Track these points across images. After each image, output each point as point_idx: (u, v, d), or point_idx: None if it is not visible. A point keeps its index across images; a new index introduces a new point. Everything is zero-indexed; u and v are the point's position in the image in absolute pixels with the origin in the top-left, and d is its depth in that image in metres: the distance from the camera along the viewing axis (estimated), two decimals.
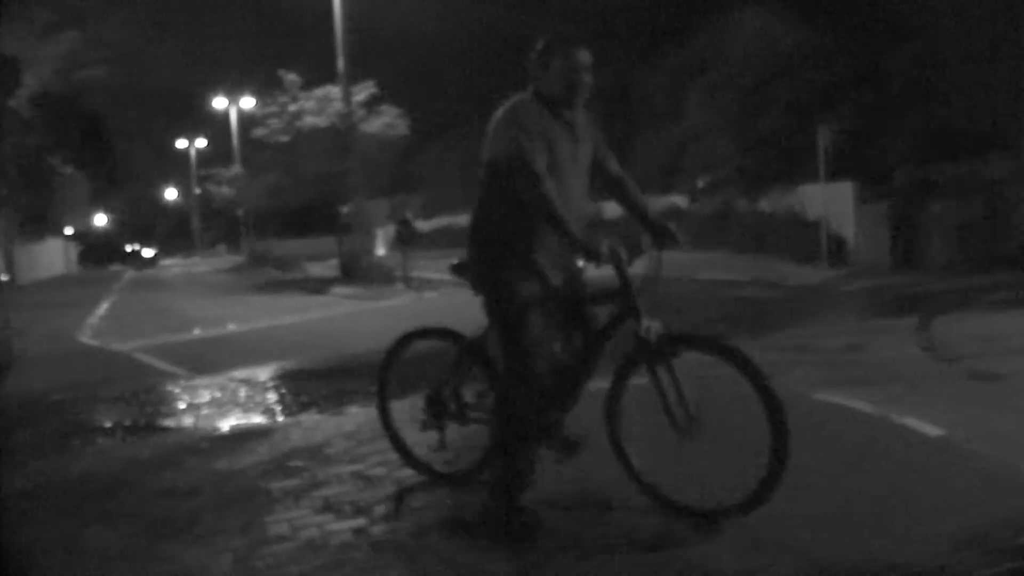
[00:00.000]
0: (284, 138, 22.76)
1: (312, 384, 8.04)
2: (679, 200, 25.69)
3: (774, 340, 9.07)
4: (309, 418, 6.39)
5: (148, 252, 56.87)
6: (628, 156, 34.27)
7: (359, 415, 5.95)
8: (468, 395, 4.11)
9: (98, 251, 57.82)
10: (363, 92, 22.78)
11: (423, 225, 26.62)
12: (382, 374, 4.41)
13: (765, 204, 21.77)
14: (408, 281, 19.33)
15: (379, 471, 4.51)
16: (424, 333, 4.32)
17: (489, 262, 3.56)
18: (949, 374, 7.01)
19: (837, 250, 18.88)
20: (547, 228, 3.38)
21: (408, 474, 4.37)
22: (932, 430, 4.76)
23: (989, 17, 25.66)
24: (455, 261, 3.80)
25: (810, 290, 15.23)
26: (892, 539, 3.26)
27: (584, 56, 3.47)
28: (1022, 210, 19.56)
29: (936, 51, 25.04)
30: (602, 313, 3.67)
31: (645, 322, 3.41)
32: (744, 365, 3.27)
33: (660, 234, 3.62)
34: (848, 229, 19.19)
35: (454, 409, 4.09)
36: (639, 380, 3.59)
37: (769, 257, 20.03)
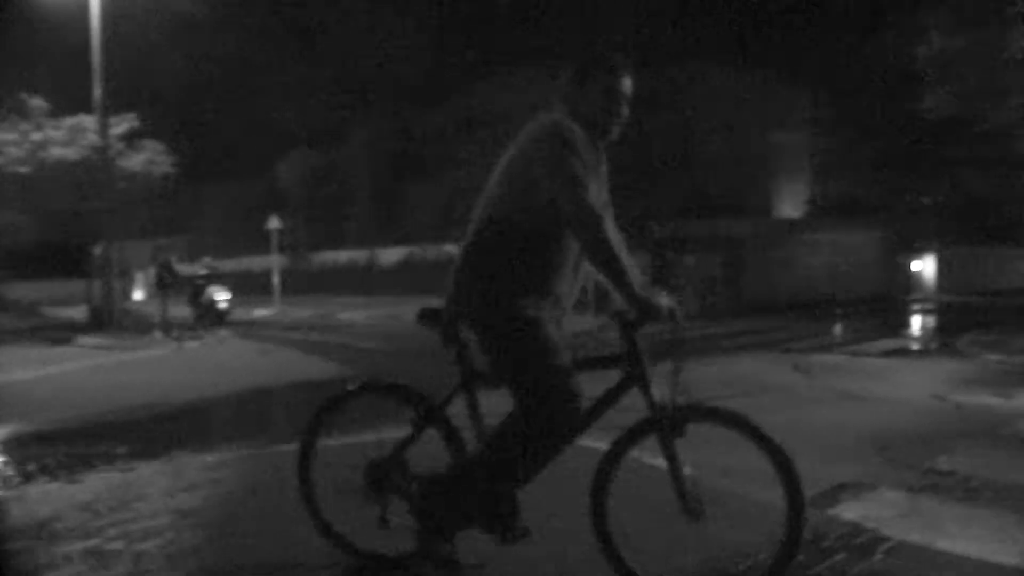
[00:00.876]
0: (24, 169, 20.42)
1: (43, 450, 7.11)
2: (454, 248, 26.23)
3: None
4: (36, 489, 5.63)
5: None
6: (407, 200, 34.79)
7: (97, 483, 5.33)
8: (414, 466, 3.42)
9: None
10: (122, 125, 21.11)
11: (188, 269, 25.03)
12: (305, 448, 3.61)
13: None
14: (167, 330, 17.93)
15: (117, 545, 4.04)
16: (367, 388, 3.63)
17: (505, 294, 3.02)
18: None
19: (602, 298, 20.10)
20: (561, 276, 3.06)
21: (152, 545, 3.95)
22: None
23: (736, 94, 29.02)
24: (422, 308, 3.25)
25: (579, 336, 16.03)
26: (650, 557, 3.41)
27: (629, 84, 3.14)
28: (757, 265, 22.02)
29: (688, 122, 27.89)
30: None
31: (655, 391, 3.07)
32: (763, 440, 2.99)
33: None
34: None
35: (399, 480, 3.39)
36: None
37: None
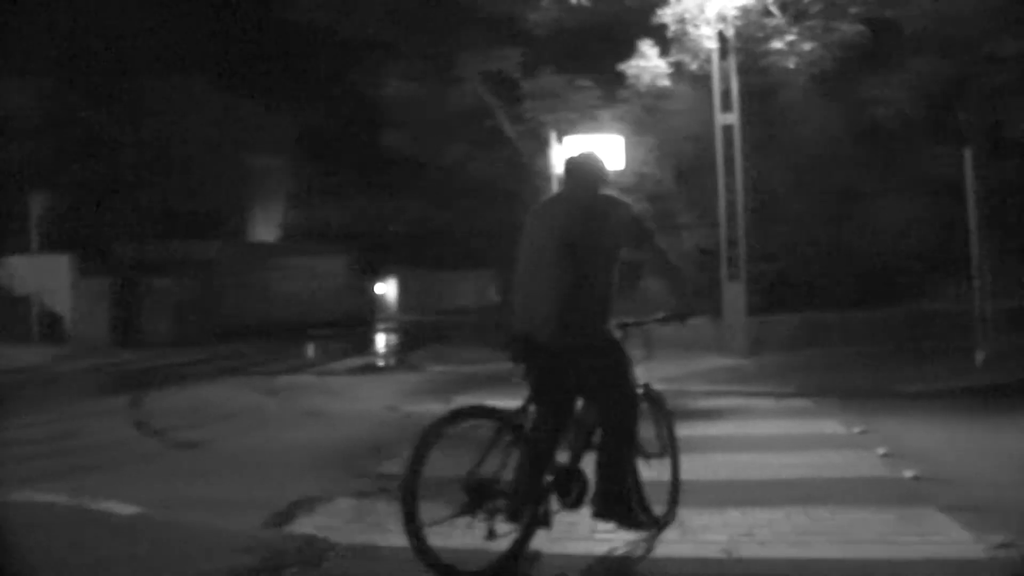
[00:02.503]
0: None
1: None
2: None
3: None
4: None
5: None
6: None
7: None
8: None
9: None
10: None
11: None
12: (412, 476, 3.61)
13: None
14: None
15: None
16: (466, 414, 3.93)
17: (598, 319, 3.90)
18: (156, 449, 7.15)
19: (51, 327, 17.67)
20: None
21: None
22: (127, 509, 4.71)
23: (216, 113, 28.18)
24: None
25: (24, 373, 13.80)
26: None
27: None
28: (230, 289, 21.63)
29: (161, 134, 26.21)
30: None
31: None
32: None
33: None
34: (65, 305, 18.18)
35: (495, 488, 3.62)
36: None
37: None
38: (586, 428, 3.98)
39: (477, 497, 3.63)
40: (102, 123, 22.13)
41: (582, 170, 4.03)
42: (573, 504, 3.92)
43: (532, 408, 3.84)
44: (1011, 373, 8.83)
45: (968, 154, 9.03)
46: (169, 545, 4.16)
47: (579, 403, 4.01)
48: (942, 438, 6.55)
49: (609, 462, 3.89)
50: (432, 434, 3.68)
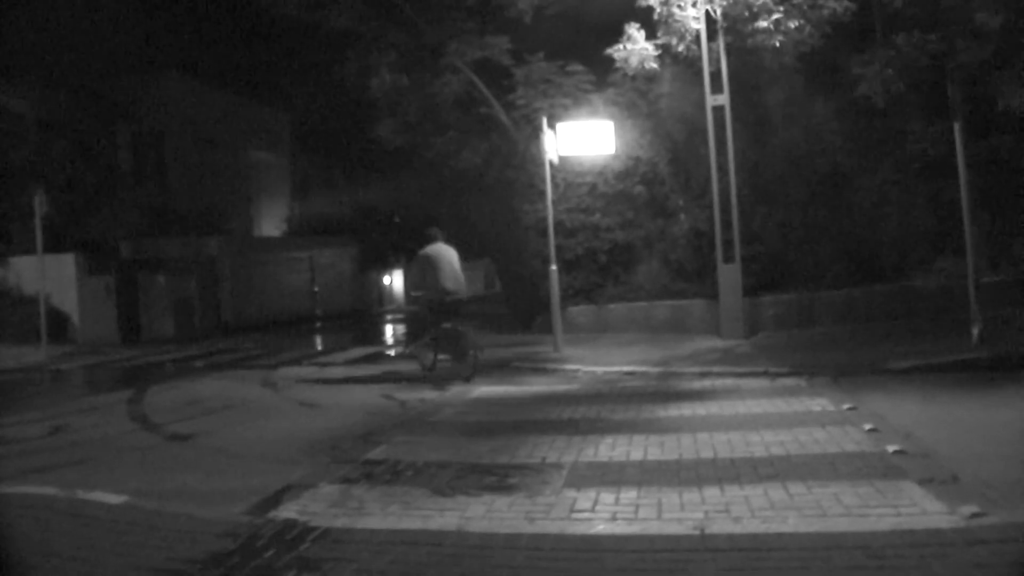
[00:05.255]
0: None
1: None
2: None
3: None
4: None
5: None
6: None
7: None
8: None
9: None
10: None
11: None
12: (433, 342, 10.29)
13: None
14: None
15: None
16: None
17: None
18: (150, 441, 7.24)
19: (60, 327, 17.85)
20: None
21: None
22: (117, 499, 4.81)
23: (213, 109, 28.27)
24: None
25: (24, 373, 13.96)
26: None
27: None
28: (232, 284, 21.77)
29: (159, 132, 26.35)
30: None
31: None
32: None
33: None
34: (72, 304, 18.36)
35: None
36: None
37: None
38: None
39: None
40: (99, 122, 22.26)
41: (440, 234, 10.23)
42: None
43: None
44: (1005, 347, 8.82)
45: (958, 128, 8.99)
46: (155, 532, 4.25)
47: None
48: (930, 413, 6.55)
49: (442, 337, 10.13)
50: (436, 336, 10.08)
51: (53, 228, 17.28)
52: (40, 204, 16.26)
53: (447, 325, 10.01)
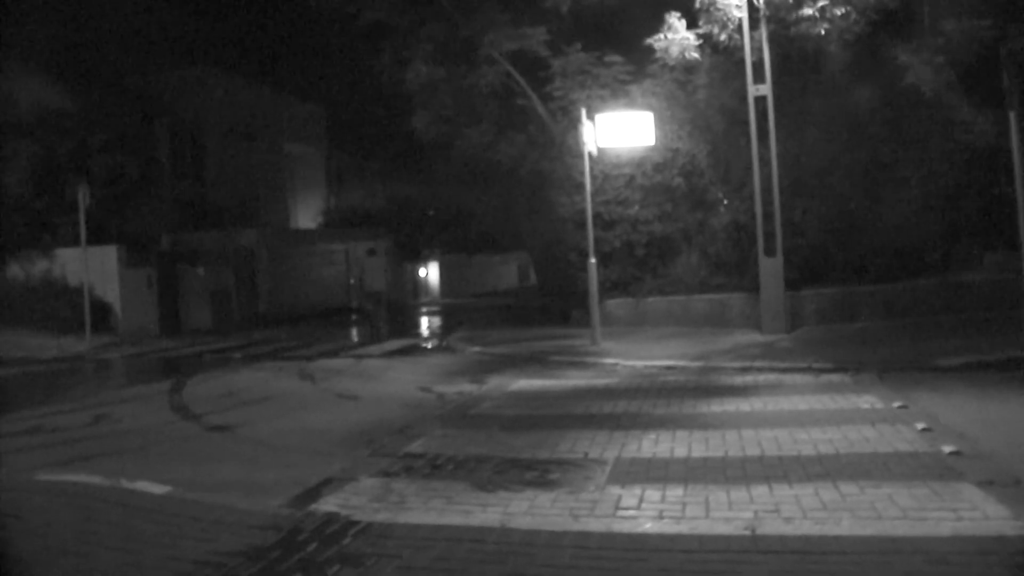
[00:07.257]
0: None
1: None
2: None
3: (5, 424, 8.01)
4: None
5: None
6: None
7: None
8: None
9: None
10: None
11: None
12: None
13: (17, 270, 19.57)
14: None
15: None
16: None
17: None
18: (191, 432, 7.28)
19: (103, 317, 18.11)
20: None
21: None
22: (159, 488, 4.82)
23: (249, 103, 28.55)
24: None
25: (67, 362, 14.19)
26: None
27: None
28: (268, 276, 21.94)
29: (196, 126, 26.66)
30: None
31: None
32: None
33: None
34: (114, 295, 18.63)
35: None
36: None
37: (19, 329, 17.78)
38: None
39: None
40: (138, 117, 22.54)
41: None
42: None
43: None
44: None
45: (1013, 117, 8.69)
46: (195, 523, 4.24)
47: None
48: (985, 412, 6.33)
49: None
50: None
51: (95, 221, 17.56)
52: (83, 197, 16.54)
53: None
